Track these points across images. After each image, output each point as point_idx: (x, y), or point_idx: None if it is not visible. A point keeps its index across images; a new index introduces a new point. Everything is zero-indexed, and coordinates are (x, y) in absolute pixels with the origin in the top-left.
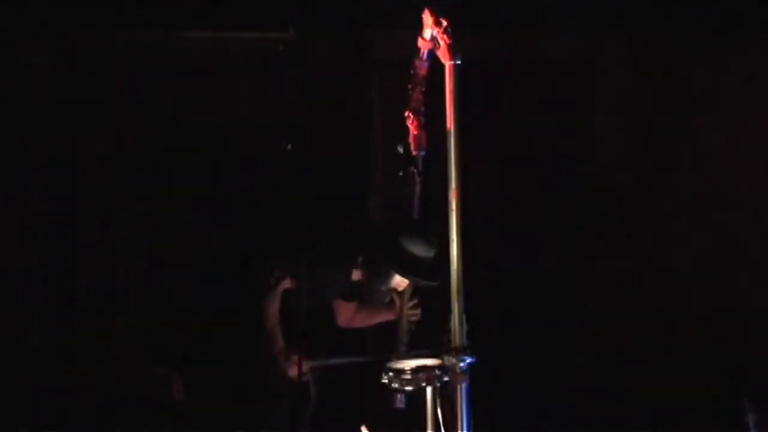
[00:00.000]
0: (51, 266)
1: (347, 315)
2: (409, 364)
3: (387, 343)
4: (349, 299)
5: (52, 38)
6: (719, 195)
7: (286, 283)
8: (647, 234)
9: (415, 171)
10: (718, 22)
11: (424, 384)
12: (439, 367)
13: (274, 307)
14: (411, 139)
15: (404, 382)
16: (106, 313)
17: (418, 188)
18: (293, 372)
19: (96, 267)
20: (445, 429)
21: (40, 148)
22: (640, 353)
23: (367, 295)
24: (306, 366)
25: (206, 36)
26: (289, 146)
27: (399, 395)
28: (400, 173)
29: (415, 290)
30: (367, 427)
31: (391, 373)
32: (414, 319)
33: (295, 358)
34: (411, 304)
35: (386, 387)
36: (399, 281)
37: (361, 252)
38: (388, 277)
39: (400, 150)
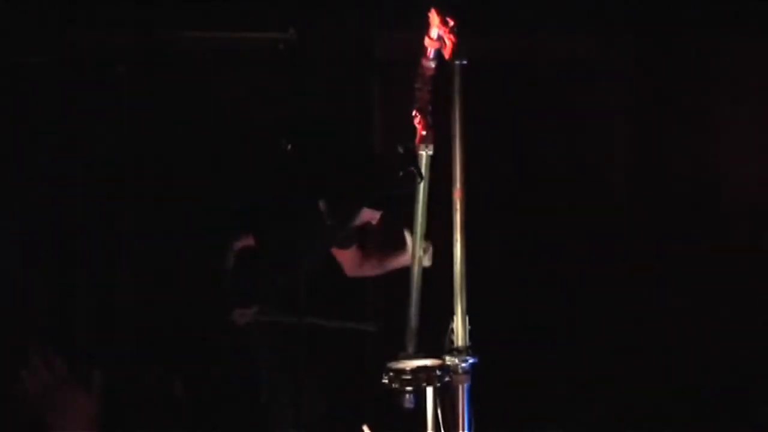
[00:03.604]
0: (51, 266)
1: (351, 263)
2: (409, 364)
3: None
4: (344, 246)
5: (52, 38)
6: (720, 195)
7: (247, 241)
8: (647, 234)
9: (416, 171)
10: (720, 23)
11: (424, 384)
12: (439, 367)
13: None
14: (418, 139)
15: (404, 382)
16: (106, 312)
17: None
18: (238, 319)
19: (96, 267)
20: (445, 430)
21: (40, 148)
22: (641, 353)
23: (340, 236)
24: (248, 313)
25: (206, 36)
26: (289, 146)
27: (408, 395)
28: (400, 173)
29: (426, 234)
30: (368, 428)
31: (391, 374)
32: (426, 264)
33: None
34: (423, 246)
35: (393, 388)
36: (370, 214)
37: (318, 195)
38: (352, 212)
39: (400, 150)
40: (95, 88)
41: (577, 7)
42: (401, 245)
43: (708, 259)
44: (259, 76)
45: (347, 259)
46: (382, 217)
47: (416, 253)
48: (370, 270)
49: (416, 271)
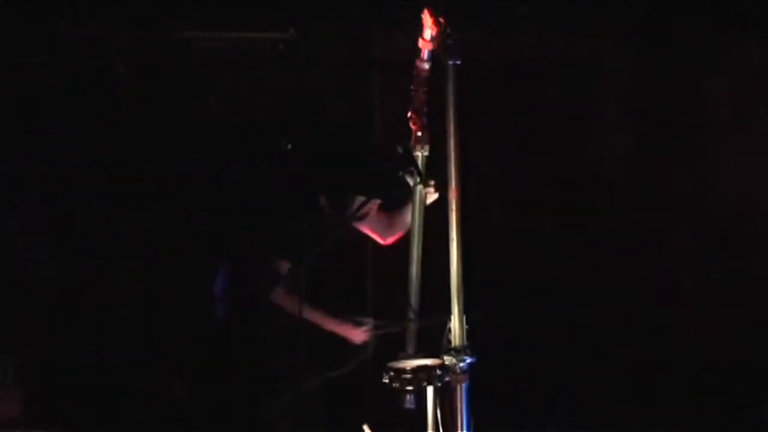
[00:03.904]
0: (51, 266)
1: (381, 229)
2: (409, 364)
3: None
4: (361, 219)
5: (52, 38)
6: (720, 195)
7: (284, 267)
8: (648, 233)
9: (415, 171)
10: (719, 23)
11: (424, 384)
12: (439, 366)
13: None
14: (414, 140)
15: (404, 382)
16: (106, 311)
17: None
18: (358, 336)
19: (96, 267)
20: (444, 429)
21: (40, 147)
22: (641, 353)
23: (349, 222)
24: (368, 329)
25: (206, 36)
26: (289, 146)
27: (409, 395)
28: (400, 173)
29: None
30: (369, 427)
31: (391, 373)
32: (430, 199)
33: (355, 321)
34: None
35: (395, 387)
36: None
37: (318, 190)
38: (352, 200)
39: (400, 150)
40: (95, 88)
41: (577, 7)
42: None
43: (708, 258)
44: (259, 76)
45: (374, 227)
46: (379, 207)
47: (414, 253)
48: (399, 227)
49: (414, 273)
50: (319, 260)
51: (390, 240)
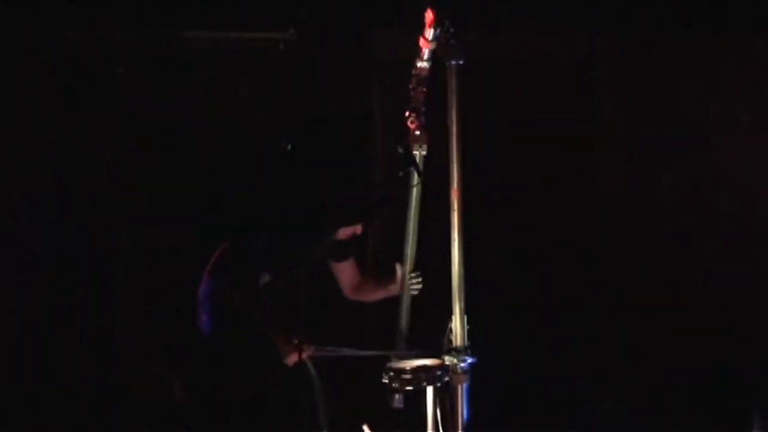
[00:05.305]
0: (51, 267)
1: (350, 280)
2: (409, 364)
3: (386, 338)
4: (340, 257)
5: (52, 38)
6: (720, 194)
7: (267, 277)
8: (647, 234)
9: (416, 171)
10: (719, 23)
11: (424, 384)
12: (439, 367)
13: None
14: (411, 139)
15: (404, 382)
16: (109, 316)
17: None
18: (292, 359)
19: (96, 268)
20: (444, 429)
21: (41, 148)
22: (641, 352)
23: (330, 252)
24: (306, 353)
25: (206, 36)
26: (289, 146)
27: (397, 395)
28: (400, 173)
29: (417, 263)
30: (369, 427)
31: (391, 373)
32: (415, 289)
33: (293, 344)
34: (413, 275)
35: (384, 387)
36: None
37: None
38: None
39: (400, 150)
40: (95, 88)
41: (577, 7)
42: (392, 276)
43: (708, 258)
44: (260, 76)
45: (346, 275)
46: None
47: (408, 252)
48: (366, 293)
49: (407, 272)
50: (299, 277)
51: (350, 296)
